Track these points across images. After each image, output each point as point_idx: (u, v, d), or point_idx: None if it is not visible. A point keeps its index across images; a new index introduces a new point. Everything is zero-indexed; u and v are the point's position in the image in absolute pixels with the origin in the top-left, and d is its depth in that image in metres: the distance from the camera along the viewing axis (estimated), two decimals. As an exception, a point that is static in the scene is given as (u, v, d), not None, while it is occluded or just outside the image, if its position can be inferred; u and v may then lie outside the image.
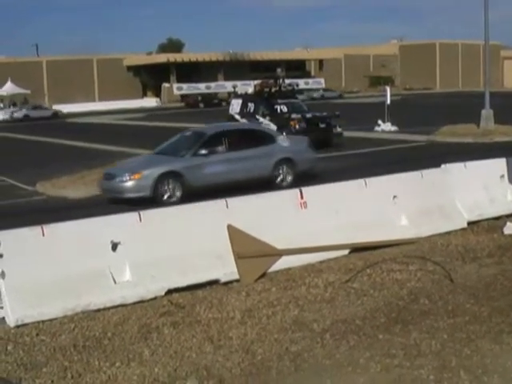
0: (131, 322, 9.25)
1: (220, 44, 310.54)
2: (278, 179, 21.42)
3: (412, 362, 7.48)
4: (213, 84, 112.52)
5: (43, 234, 9.67)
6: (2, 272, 9.26)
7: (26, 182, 24.81)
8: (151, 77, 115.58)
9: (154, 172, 19.49)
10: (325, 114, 34.94)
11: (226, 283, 10.79)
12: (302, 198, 12.19)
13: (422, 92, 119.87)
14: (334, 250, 12.10)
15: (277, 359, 7.79)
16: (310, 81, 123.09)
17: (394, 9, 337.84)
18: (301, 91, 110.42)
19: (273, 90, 36.12)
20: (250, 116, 34.75)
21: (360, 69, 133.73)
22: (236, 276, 10.93)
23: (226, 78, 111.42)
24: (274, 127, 33.23)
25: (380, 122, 40.74)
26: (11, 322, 9.21)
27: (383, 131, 39.83)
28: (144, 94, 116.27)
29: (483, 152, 24.92)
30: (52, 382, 7.45)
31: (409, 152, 30.34)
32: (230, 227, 11.08)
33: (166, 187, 19.39)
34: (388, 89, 42.58)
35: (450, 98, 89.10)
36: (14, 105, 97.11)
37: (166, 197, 19.27)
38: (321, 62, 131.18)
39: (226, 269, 10.90)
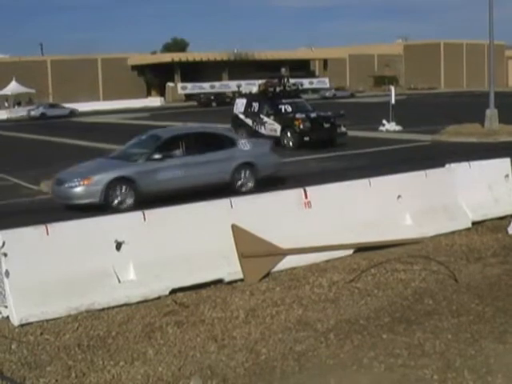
0: (135, 321, 9.26)
1: (224, 44, 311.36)
2: (238, 184, 20.64)
3: (416, 362, 7.47)
4: (217, 83, 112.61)
5: (47, 233, 9.68)
6: (6, 271, 9.26)
7: (30, 181, 24.82)
8: (155, 76, 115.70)
9: (104, 177, 18.60)
10: (329, 113, 34.95)
11: (230, 282, 10.79)
12: (306, 197, 12.17)
13: (427, 92, 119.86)
14: (338, 249, 12.09)
15: (281, 359, 7.78)
16: (315, 80, 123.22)
17: (399, 8, 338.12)
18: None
19: (277, 89, 36.17)
20: (255, 115, 34.81)
21: (364, 68, 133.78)
22: (240, 275, 10.92)
23: (231, 78, 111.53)
24: (278, 127, 33.36)
25: (384, 121, 40.73)
26: (15, 320, 9.21)
27: (388, 131, 39.82)
28: (148, 94, 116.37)
29: (488, 152, 24.91)
30: (56, 381, 7.45)
31: (413, 152, 30.31)
32: (234, 227, 11.08)
33: (117, 193, 18.58)
34: (393, 88, 42.56)
35: (455, 97, 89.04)
36: (19, 104, 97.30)
37: (116, 203, 18.47)
38: (325, 62, 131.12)
39: (230, 268, 10.89)
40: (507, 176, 15.21)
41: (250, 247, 11.07)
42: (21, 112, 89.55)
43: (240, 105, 36.58)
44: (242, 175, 20.75)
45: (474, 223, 14.05)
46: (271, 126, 33.84)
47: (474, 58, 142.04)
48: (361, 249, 12.29)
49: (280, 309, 9.49)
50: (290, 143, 32.77)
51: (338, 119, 33.89)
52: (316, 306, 9.56)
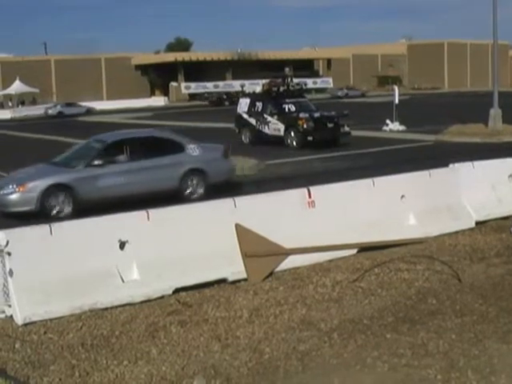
0: (139, 320, 9.27)
1: (228, 43, 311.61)
2: (187, 192, 19.58)
3: (419, 362, 7.47)
4: (221, 83, 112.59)
5: (51, 233, 9.69)
6: (10, 270, 9.28)
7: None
8: (159, 76, 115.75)
9: (40, 184, 17.60)
10: (333, 113, 34.91)
11: (234, 282, 10.79)
12: (309, 197, 12.18)
13: (430, 91, 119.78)
14: (342, 249, 12.09)
15: (284, 358, 7.79)
16: (318, 80, 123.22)
17: (403, 8, 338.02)
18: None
19: (281, 89, 36.14)
20: (258, 115, 34.82)
21: (368, 68, 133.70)
22: (244, 275, 10.93)
23: (234, 77, 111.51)
24: (281, 126, 33.35)
25: (388, 121, 40.69)
26: (19, 320, 9.23)
27: (391, 131, 39.78)
28: (152, 93, 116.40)
29: (491, 152, 24.89)
30: (60, 380, 7.46)
31: (417, 151, 30.28)
32: (237, 226, 11.08)
33: (54, 201, 17.58)
34: (396, 88, 42.53)
35: (458, 97, 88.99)
36: (23, 103, 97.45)
37: (54, 211, 17.47)
38: (329, 62, 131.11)
39: (234, 268, 10.90)
40: (511, 176, 15.20)
41: (254, 247, 11.08)
42: (25, 111, 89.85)
43: (243, 104, 36.59)
44: (191, 182, 19.74)
45: (477, 223, 14.04)
46: (275, 126, 33.83)
47: (478, 57, 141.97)
48: (364, 248, 12.29)
49: (283, 308, 9.50)
50: (294, 143, 32.76)
51: (341, 119, 33.86)
52: (319, 306, 9.57)
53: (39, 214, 16.99)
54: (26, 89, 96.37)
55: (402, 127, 40.02)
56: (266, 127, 34.36)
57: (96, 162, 18.29)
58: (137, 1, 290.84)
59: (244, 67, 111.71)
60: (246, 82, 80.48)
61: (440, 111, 57.88)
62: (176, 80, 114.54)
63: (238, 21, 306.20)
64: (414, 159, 25.68)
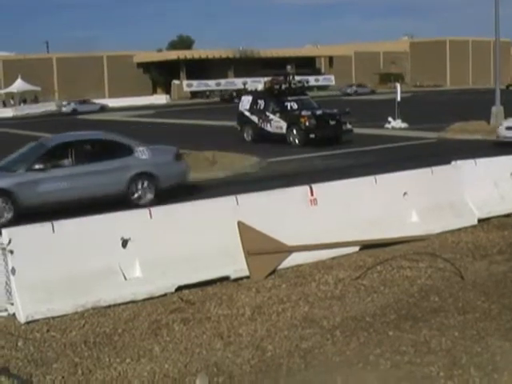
0: (141, 318, 9.27)
1: (230, 41, 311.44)
2: (135, 196, 18.73)
3: (422, 359, 7.47)
4: (223, 81, 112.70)
5: (53, 231, 9.69)
6: (13, 268, 9.28)
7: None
8: (161, 74, 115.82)
9: None
10: (335, 110, 34.93)
11: (236, 280, 10.79)
12: (312, 194, 12.17)
13: (433, 89, 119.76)
14: (344, 246, 12.08)
15: (287, 356, 7.78)
16: (320, 78, 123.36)
17: (405, 6, 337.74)
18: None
19: (283, 86, 36.14)
20: (260, 113, 34.83)
21: (370, 66, 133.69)
22: (246, 273, 10.93)
23: (236, 75, 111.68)
24: (284, 124, 33.35)
25: (390, 118, 40.70)
26: (21, 318, 9.23)
27: (393, 128, 39.79)
28: (154, 91, 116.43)
29: (493, 149, 24.88)
30: (62, 378, 7.46)
31: (419, 149, 30.30)
32: (240, 224, 11.08)
33: None
34: (398, 86, 42.53)
35: (460, 94, 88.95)
36: (24, 102, 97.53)
37: None
38: (331, 59, 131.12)
39: (236, 265, 10.90)
40: (513, 173, 15.18)
41: (256, 244, 11.08)
42: (26, 109, 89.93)
43: (246, 102, 36.62)
44: (140, 186, 18.86)
45: (479, 220, 14.03)
46: (277, 124, 33.84)
47: (480, 55, 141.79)
48: (367, 246, 12.29)
49: (286, 306, 9.50)
50: (296, 140, 32.77)
51: (343, 116, 33.90)
52: (322, 303, 9.56)
53: None
54: (27, 87, 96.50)
55: (404, 124, 40.03)
56: (268, 125, 34.37)
57: (37, 166, 17.51)
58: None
59: (246, 65, 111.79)
60: (248, 80, 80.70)
61: (442, 108, 57.88)
62: (178, 78, 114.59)
63: (240, 18, 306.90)
64: (416, 156, 25.68)
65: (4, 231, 9.37)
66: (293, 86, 36.73)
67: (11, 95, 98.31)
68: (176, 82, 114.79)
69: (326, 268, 11.27)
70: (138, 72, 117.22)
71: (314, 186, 12.39)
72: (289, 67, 53.51)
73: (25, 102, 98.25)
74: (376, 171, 14.35)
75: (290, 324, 8.81)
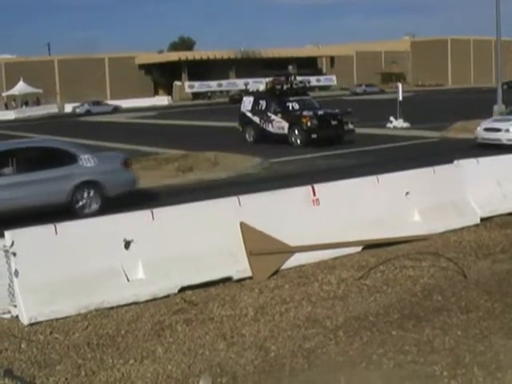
0: (144, 319, 9.27)
1: (231, 42, 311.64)
2: (79, 205, 17.80)
3: (425, 359, 7.46)
4: (224, 82, 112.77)
5: (56, 233, 9.70)
6: (16, 270, 9.28)
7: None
8: (163, 75, 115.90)
9: None
10: (336, 111, 34.94)
11: (239, 280, 10.79)
12: (314, 194, 12.17)
13: (434, 88, 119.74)
14: (347, 246, 12.08)
15: (290, 356, 7.78)
16: (322, 78, 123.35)
17: (405, 5, 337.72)
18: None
19: (284, 87, 36.13)
20: (262, 113, 34.83)
21: (372, 65, 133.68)
22: (249, 273, 10.93)
23: (238, 76, 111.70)
24: (285, 124, 33.35)
25: (392, 118, 40.70)
26: (25, 320, 9.24)
27: (395, 128, 39.78)
28: (155, 93, 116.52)
29: (496, 148, 24.85)
30: (66, 379, 7.46)
31: (421, 148, 30.29)
32: (242, 224, 11.08)
33: None
34: (400, 85, 42.52)
35: (462, 93, 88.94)
36: (26, 104, 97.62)
37: None
38: (332, 59, 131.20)
39: (239, 266, 10.90)
40: (516, 172, 15.18)
41: (259, 245, 11.08)
42: (28, 112, 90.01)
43: (247, 103, 36.62)
44: (84, 195, 17.95)
45: (482, 219, 14.02)
46: (278, 124, 33.84)
47: (482, 54, 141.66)
48: (369, 246, 12.28)
49: (289, 306, 9.49)
50: (298, 141, 32.77)
51: (345, 116, 33.90)
52: (325, 303, 9.56)
53: None
54: (29, 89, 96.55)
55: (406, 124, 40.03)
56: (270, 125, 34.37)
57: None
58: (140, 0, 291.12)
59: (247, 66, 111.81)
60: (250, 81, 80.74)
61: (444, 108, 57.88)
62: (179, 79, 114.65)
63: (241, 19, 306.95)
64: (418, 156, 25.69)
65: (7, 233, 9.38)
66: (294, 86, 36.65)
67: (13, 97, 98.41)
68: (178, 83, 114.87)
69: (328, 268, 11.27)
70: (140, 73, 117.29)
71: (316, 186, 12.39)
72: (290, 67, 53.57)
73: (27, 104, 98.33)
74: (378, 171, 14.35)
75: (293, 324, 8.81)
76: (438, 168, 14.14)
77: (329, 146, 31.25)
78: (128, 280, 10.06)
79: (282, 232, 11.39)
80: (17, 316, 9.41)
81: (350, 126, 33.38)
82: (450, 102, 68.64)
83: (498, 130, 28.28)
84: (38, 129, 58.42)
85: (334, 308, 9.35)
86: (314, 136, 32.21)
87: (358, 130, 34.46)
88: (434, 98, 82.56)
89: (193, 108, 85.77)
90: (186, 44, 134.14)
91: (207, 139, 39.09)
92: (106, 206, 17.55)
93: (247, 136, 36.04)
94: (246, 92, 41.08)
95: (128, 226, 10.39)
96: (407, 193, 13.25)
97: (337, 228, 12.13)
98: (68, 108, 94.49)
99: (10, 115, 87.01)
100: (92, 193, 18.02)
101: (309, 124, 32.39)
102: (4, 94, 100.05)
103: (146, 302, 9.95)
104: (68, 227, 9.96)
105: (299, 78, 40.24)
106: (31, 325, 9.18)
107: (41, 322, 9.22)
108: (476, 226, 13.78)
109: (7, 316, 9.54)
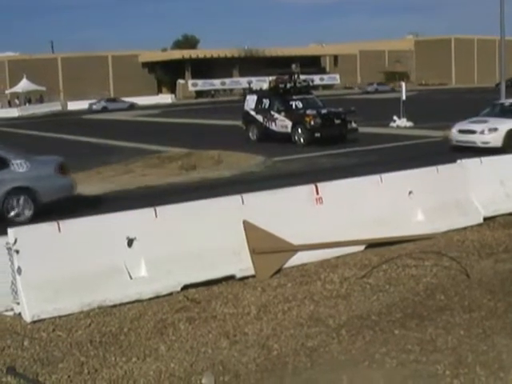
0: (147, 317, 9.27)
1: (235, 40, 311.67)
2: (12, 214, 16.71)
3: (428, 358, 7.46)
4: (228, 80, 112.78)
5: (59, 230, 9.70)
6: (19, 268, 9.29)
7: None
8: (166, 73, 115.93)
9: None
10: (340, 109, 34.92)
11: (242, 279, 10.79)
12: (317, 193, 12.16)
13: (438, 87, 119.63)
14: (350, 245, 12.07)
15: (292, 354, 7.78)
16: (325, 77, 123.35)
17: (409, 4, 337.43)
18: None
19: (288, 85, 36.10)
20: (265, 112, 34.82)
21: (375, 64, 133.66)
22: (252, 272, 10.92)
23: (241, 74, 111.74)
24: (289, 123, 33.32)
25: (395, 117, 40.66)
26: (27, 317, 9.24)
27: (398, 127, 39.74)
28: (159, 91, 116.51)
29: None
30: (68, 377, 7.46)
31: (424, 147, 30.25)
32: (245, 223, 11.08)
33: None
34: (403, 84, 42.46)
35: (466, 93, 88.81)
36: (29, 101, 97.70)
37: None
38: (336, 58, 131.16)
39: (242, 264, 10.89)
40: (519, 171, 15.15)
41: (262, 243, 11.08)
42: (31, 109, 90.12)
43: (251, 101, 36.58)
44: (16, 203, 16.87)
45: (485, 219, 14.01)
46: (282, 123, 33.83)
47: (485, 53, 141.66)
48: (372, 245, 12.27)
49: (292, 305, 9.49)
50: (301, 139, 32.74)
51: (348, 115, 33.87)
52: (328, 302, 9.56)
53: None
54: (32, 87, 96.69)
55: (409, 123, 39.98)
56: (273, 124, 34.36)
57: None
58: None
59: (251, 64, 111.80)
60: (253, 79, 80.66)
61: (447, 107, 57.78)
62: (183, 77, 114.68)
63: (245, 17, 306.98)
64: (421, 155, 25.64)
65: (10, 231, 9.38)
66: (298, 85, 36.62)
67: (16, 95, 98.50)
68: (181, 81, 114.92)
69: (331, 267, 11.27)
70: (143, 72, 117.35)
71: (319, 184, 12.38)
72: (294, 66, 53.44)
73: (30, 101, 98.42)
74: (381, 170, 14.34)
75: (296, 323, 8.80)
76: (441, 167, 14.12)
77: (332, 144, 31.22)
78: (131, 278, 10.06)
79: (285, 231, 11.39)
80: (19, 313, 9.41)
81: (354, 125, 33.34)
82: (454, 102, 68.52)
83: (473, 131, 27.09)
84: (41, 126, 58.46)
85: (336, 307, 9.35)
86: (317, 135, 32.19)
87: (362, 129, 34.41)
88: (438, 97, 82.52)
89: (196, 106, 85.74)
90: (189, 42, 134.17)
91: (210, 137, 39.10)
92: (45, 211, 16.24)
93: (250, 134, 36.03)
94: (250, 90, 40.93)
95: (131, 223, 10.39)
96: (410, 192, 13.24)
97: (340, 227, 12.13)
98: (71, 106, 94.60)
99: (13, 113, 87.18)
100: (24, 199, 16.96)
101: (312, 123, 32.37)
102: (7, 92, 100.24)
103: (149, 299, 9.95)
104: (71, 225, 9.96)
105: (303, 77, 40.17)
106: (34, 322, 9.18)
107: (43, 320, 9.22)
108: (479, 225, 13.77)
109: (10, 313, 9.54)
